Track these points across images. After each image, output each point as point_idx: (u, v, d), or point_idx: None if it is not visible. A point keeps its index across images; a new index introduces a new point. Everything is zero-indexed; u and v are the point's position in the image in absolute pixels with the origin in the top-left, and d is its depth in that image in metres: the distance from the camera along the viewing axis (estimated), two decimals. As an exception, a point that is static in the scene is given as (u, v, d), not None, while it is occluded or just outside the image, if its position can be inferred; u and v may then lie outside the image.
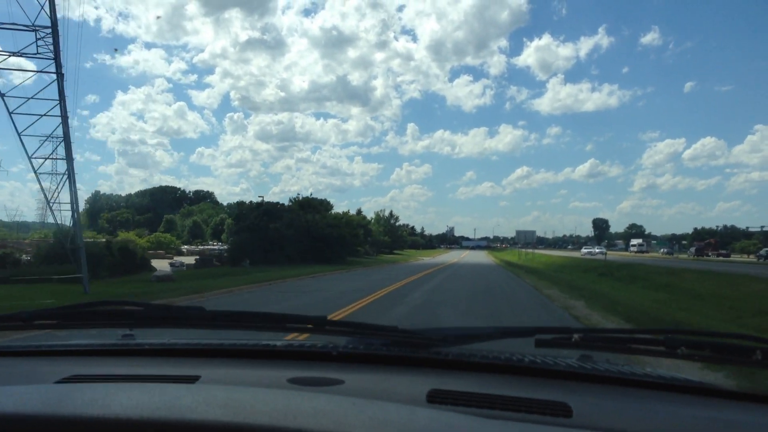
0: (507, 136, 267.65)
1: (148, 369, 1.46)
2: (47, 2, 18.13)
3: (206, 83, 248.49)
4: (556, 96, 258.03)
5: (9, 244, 34.10)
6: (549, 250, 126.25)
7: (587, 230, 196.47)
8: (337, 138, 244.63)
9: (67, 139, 18.87)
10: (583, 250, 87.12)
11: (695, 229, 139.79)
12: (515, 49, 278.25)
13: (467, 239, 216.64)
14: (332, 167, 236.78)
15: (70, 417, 0.86)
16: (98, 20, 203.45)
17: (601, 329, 2.33)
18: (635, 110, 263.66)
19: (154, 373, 1.40)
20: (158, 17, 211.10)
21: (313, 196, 56.48)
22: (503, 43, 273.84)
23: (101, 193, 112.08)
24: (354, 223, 56.92)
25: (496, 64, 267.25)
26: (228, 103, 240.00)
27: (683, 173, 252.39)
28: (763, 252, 70.91)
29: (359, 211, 76.71)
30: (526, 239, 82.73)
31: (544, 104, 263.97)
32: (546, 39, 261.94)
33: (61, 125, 18.74)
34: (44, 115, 18.93)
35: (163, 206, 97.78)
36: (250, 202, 47.24)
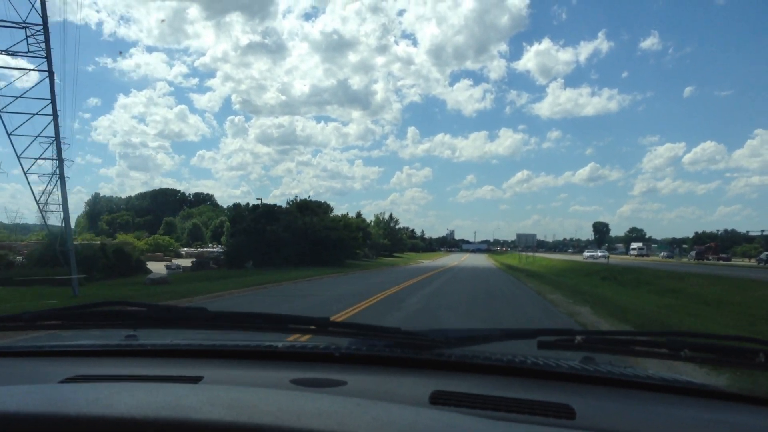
0: (507, 140, 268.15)
1: (151, 369, 1.46)
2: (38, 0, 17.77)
3: (207, 87, 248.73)
4: (556, 100, 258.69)
5: (4, 246, 33.75)
6: (549, 254, 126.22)
7: (588, 234, 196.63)
8: (338, 141, 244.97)
9: (57, 139, 18.51)
10: (585, 254, 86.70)
11: (696, 233, 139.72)
12: (515, 53, 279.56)
13: (467, 242, 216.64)
14: (333, 170, 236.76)
15: (73, 416, 0.86)
16: (100, 24, 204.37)
17: (603, 331, 2.34)
18: (635, 114, 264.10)
19: (157, 373, 1.41)
20: (162, 20, 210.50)
21: (314, 199, 56.15)
22: (503, 47, 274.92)
23: (102, 195, 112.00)
24: (353, 226, 56.45)
25: (496, 68, 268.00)
26: (229, 106, 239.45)
27: (683, 177, 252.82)
28: (763, 256, 70.68)
29: (359, 214, 76.00)
30: (527, 242, 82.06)
31: (544, 108, 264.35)
32: (546, 43, 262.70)
33: (51, 124, 18.36)
34: (35, 114, 18.59)
35: (163, 209, 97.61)
36: (247, 204, 46.64)
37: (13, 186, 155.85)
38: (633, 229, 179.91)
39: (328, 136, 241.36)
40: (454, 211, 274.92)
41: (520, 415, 1.13)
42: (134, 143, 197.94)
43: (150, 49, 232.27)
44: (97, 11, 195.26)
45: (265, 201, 47.40)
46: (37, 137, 18.50)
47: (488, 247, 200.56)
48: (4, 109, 17.92)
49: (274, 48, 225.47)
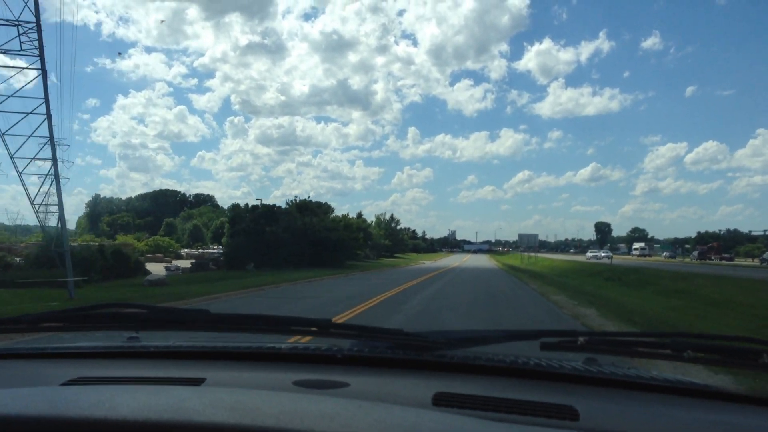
0: (508, 140, 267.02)
1: (154, 371, 1.46)
2: (30, -2, 17.50)
3: (207, 87, 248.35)
4: (557, 100, 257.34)
5: (3, 248, 33.50)
6: (551, 254, 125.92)
7: (589, 234, 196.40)
8: (338, 142, 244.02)
9: (51, 138, 18.22)
10: (589, 254, 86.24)
11: (699, 232, 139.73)
12: (516, 53, 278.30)
13: (469, 243, 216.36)
14: (333, 171, 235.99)
15: (75, 419, 0.87)
16: (99, 24, 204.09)
17: (606, 332, 2.34)
18: (637, 114, 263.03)
19: (159, 375, 1.41)
20: (162, 21, 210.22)
21: (315, 199, 55.80)
22: (504, 47, 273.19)
23: (102, 196, 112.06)
24: (353, 227, 56.18)
25: (497, 68, 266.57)
26: (228, 106, 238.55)
27: (685, 177, 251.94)
28: (766, 255, 70.33)
29: (359, 215, 75.77)
30: (529, 243, 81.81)
31: (545, 108, 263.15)
32: (547, 43, 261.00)
33: (45, 124, 18.09)
34: (29, 113, 18.33)
35: (163, 210, 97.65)
36: (246, 204, 46.19)
37: (14, 187, 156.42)
38: (635, 229, 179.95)
39: (328, 137, 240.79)
40: (456, 211, 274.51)
41: (523, 416, 1.13)
42: (134, 144, 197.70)
43: (149, 50, 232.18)
44: (96, 12, 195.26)
45: (265, 202, 46.90)
46: (29, 137, 18.19)
47: (490, 247, 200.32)
48: (-1, 109, 17.66)
49: (273, 48, 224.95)
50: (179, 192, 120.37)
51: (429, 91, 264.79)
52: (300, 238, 42.01)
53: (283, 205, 49.96)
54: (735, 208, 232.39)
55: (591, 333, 1.59)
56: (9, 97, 17.92)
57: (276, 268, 34.42)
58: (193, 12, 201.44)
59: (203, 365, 1.54)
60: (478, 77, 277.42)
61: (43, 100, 18.06)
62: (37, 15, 17.75)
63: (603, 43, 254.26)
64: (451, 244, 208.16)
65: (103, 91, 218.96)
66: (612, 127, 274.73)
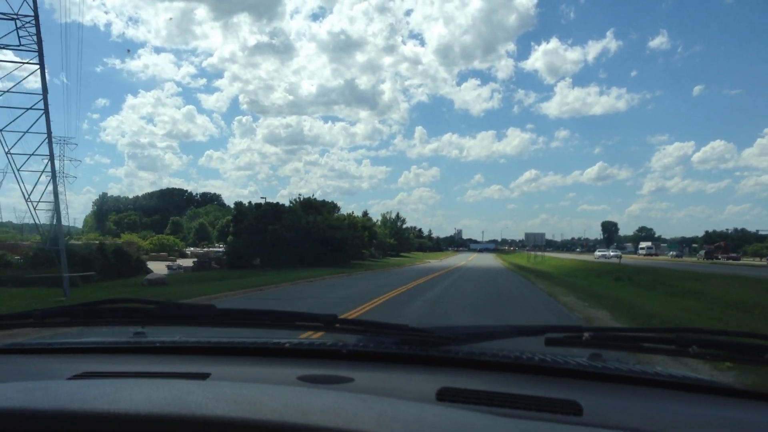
0: (515, 140, 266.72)
1: (160, 366, 1.47)
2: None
3: (215, 87, 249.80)
4: (564, 99, 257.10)
5: (4, 246, 33.26)
6: (558, 253, 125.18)
7: (596, 233, 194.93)
8: (345, 141, 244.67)
9: (49, 135, 17.87)
10: (597, 253, 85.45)
11: (706, 231, 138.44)
12: (523, 52, 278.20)
13: (475, 242, 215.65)
14: (340, 170, 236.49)
15: (81, 412, 0.87)
16: (108, 25, 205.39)
17: (611, 328, 2.15)
18: (644, 113, 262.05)
19: (165, 370, 1.42)
20: (170, 19, 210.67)
21: (321, 198, 55.38)
22: (511, 46, 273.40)
23: (109, 195, 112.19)
24: (358, 225, 55.74)
25: (504, 67, 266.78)
26: (237, 106, 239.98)
27: (693, 176, 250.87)
28: (774, 254, 69.43)
29: (365, 213, 75.14)
30: (535, 242, 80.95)
31: (552, 108, 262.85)
32: (554, 43, 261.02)
33: (43, 119, 17.73)
34: (28, 109, 18.01)
35: (170, 208, 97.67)
36: (249, 202, 45.55)
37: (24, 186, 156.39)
38: (642, 228, 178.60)
39: (335, 136, 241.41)
40: (462, 210, 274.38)
41: (528, 411, 1.12)
42: (142, 143, 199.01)
43: (158, 50, 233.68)
44: (106, 12, 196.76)
45: (271, 200, 46.31)
46: (25, 133, 17.84)
47: (496, 246, 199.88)
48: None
49: (281, 48, 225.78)
50: (186, 191, 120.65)
51: (436, 90, 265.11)
52: (304, 236, 41.50)
53: (288, 204, 49.60)
54: (743, 207, 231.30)
55: (596, 328, 1.56)
56: (5, 92, 17.58)
57: (279, 268, 33.97)
58: (201, 12, 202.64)
59: (209, 360, 1.55)
60: (485, 77, 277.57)
61: (41, 95, 17.77)
62: (35, 8, 17.46)
63: (610, 42, 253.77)
64: (457, 243, 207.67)
65: (112, 91, 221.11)
66: (619, 127, 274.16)
